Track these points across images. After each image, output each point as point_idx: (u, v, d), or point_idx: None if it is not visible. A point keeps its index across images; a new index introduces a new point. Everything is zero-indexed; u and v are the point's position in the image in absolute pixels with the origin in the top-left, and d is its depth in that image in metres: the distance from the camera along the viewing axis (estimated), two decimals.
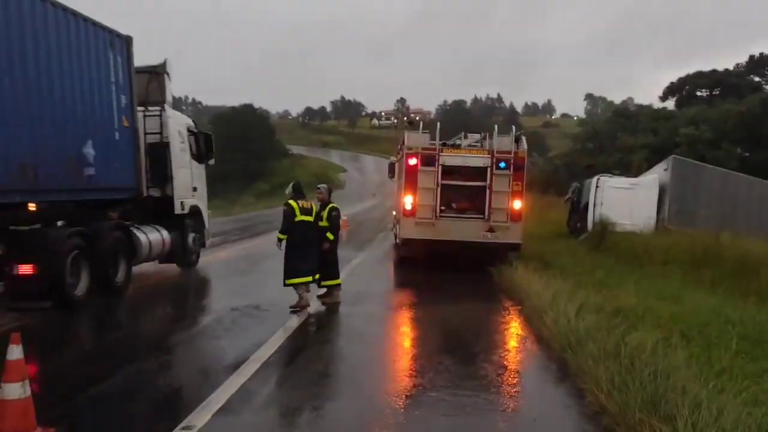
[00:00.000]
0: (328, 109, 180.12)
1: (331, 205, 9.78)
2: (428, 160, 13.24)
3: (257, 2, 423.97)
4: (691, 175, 19.90)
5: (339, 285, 10.08)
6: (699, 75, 60.67)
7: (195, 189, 13.53)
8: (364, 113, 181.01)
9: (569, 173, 46.63)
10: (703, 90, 60.67)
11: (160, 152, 11.91)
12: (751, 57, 64.40)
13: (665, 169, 19.99)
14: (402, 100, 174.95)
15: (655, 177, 20.37)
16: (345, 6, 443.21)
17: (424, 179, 13.24)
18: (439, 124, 14.05)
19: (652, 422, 4.34)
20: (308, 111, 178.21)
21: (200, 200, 13.88)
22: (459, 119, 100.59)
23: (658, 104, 64.25)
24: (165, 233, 11.78)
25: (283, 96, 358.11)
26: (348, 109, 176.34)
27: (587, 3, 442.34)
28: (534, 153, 75.19)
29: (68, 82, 8.82)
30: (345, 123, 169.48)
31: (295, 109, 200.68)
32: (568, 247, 17.05)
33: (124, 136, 10.38)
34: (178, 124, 12.81)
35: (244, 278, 13.02)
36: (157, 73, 12.01)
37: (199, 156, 13.80)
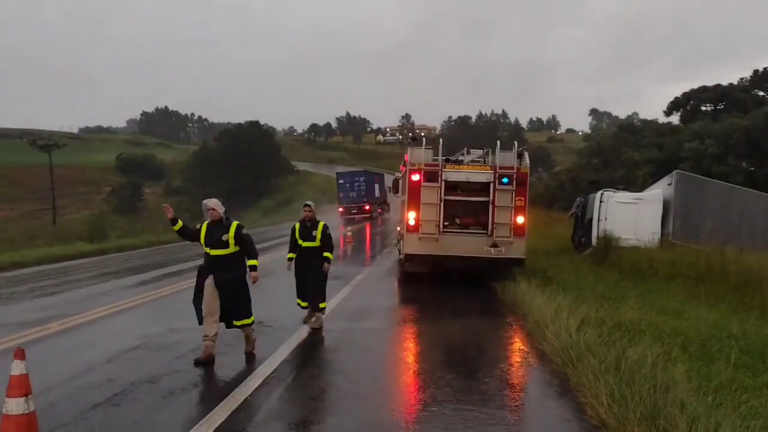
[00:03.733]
0: (334, 125, 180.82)
1: (322, 223, 9.43)
2: (431, 176, 13.32)
3: (263, 20, 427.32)
4: (695, 190, 19.89)
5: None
6: (703, 89, 60.77)
7: None
8: (369, 129, 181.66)
9: (574, 188, 46.62)
10: (708, 104, 60.75)
11: None
12: (756, 71, 64.52)
13: (669, 184, 19.99)
14: (407, 116, 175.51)
15: (659, 192, 20.37)
16: (349, 23, 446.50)
17: (428, 195, 13.31)
18: (441, 140, 14.14)
19: None
20: (313, 127, 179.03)
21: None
22: (464, 135, 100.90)
23: (662, 119, 64.35)
24: None
25: (288, 113, 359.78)
26: (353, 125, 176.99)
27: (592, 18, 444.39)
28: (539, 168, 75.43)
29: None
30: (350, 139, 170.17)
31: (301, 126, 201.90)
32: (571, 262, 17.06)
33: None
34: None
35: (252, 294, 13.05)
36: None
37: None
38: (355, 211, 43.03)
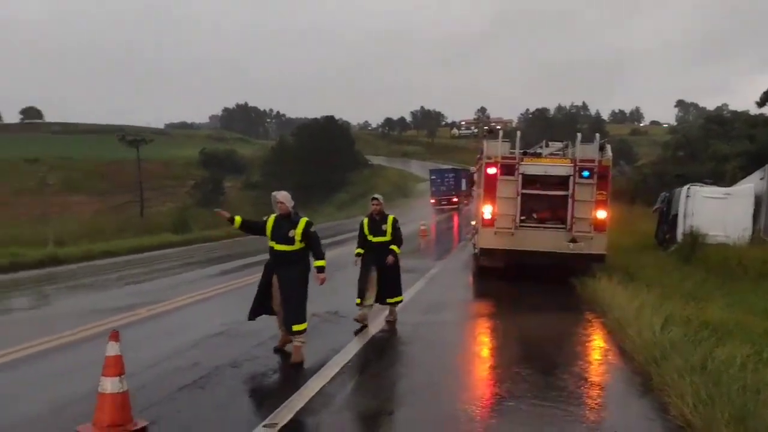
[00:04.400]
0: (408, 119, 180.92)
1: (392, 217, 9.18)
2: (508, 170, 13.13)
3: (336, 14, 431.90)
4: None
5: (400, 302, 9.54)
6: None
7: None
8: (444, 123, 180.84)
9: (658, 182, 44.85)
10: None
11: None
12: None
13: (762, 179, 18.91)
14: (482, 109, 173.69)
15: (750, 186, 19.32)
16: (424, 15, 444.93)
17: (504, 189, 13.12)
18: (519, 132, 13.92)
19: None
20: (388, 121, 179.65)
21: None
22: (541, 128, 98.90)
23: (755, 110, 60.89)
24: None
25: (363, 107, 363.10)
26: (428, 119, 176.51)
27: (679, 5, 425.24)
28: (621, 161, 73.00)
29: None
30: (425, 133, 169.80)
31: (375, 120, 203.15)
32: (655, 259, 16.44)
33: None
34: None
35: (325, 286, 13.31)
36: None
37: None
38: (445, 202, 49.82)
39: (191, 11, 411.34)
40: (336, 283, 13.42)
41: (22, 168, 76.13)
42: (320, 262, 7.29)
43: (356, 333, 8.49)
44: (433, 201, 50.92)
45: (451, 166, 62.23)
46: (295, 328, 7.05)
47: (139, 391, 5.69)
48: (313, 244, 7.22)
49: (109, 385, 4.89)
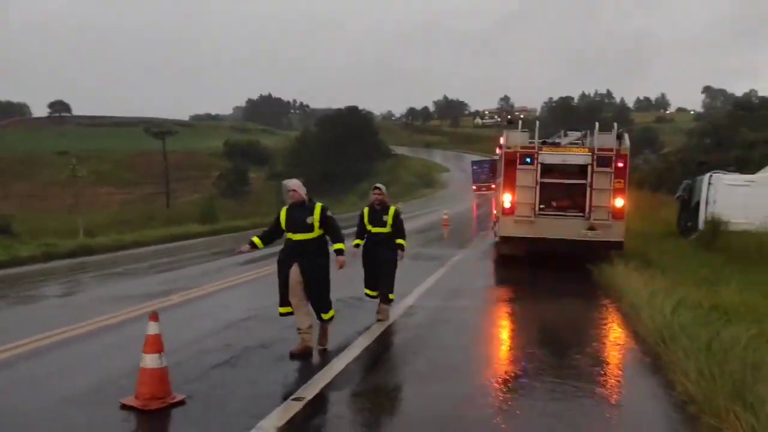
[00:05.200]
0: (431, 109, 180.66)
1: (393, 207, 8.81)
2: (527, 159, 13.38)
3: (359, 5, 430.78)
4: None
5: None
6: None
7: None
8: (467, 112, 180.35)
9: (683, 170, 44.53)
10: None
11: None
12: None
13: None
14: (506, 98, 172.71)
15: None
16: (447, 4, 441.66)
17: (523, 177, 13.39)
18: (538, 122, 14.14)
19: (735, 410, 4.45)
20: (411, 111, 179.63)
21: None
22: (565, 116, 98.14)
23: None
24: None
25: (386, 97, 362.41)
26: (451, 108, 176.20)
27: None
28: (646, 149, 72.35)
29: None
30: (448, 123, 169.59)
31: (398, 110, 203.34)
32: (676, 246, 16.59)
33: None
34: None
35: (349, 271, 13.71)
36: None
37: None
38: (485, 188, 55.09)
39: (216, 3, 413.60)
40: (359, 269, 13.85)
41: (52, 161, 77.67)
42: (340, 245, 7.06)
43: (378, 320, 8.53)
44: (474, 187, 59.61)
45: (489, 158, 67.35)
46: (325, 316, 7.14)
47: (175, 368, 6.10)
48: (331, 228, 7.01)
49: (150, 360, 5.32)
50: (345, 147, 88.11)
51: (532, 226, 13.37)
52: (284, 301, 7.08)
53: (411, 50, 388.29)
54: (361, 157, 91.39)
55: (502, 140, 14.28)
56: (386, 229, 8.58)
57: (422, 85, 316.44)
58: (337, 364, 6.53)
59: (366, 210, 8.79)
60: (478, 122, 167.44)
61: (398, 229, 8.65)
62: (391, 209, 8.69)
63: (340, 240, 7.09)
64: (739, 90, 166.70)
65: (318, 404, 5.42)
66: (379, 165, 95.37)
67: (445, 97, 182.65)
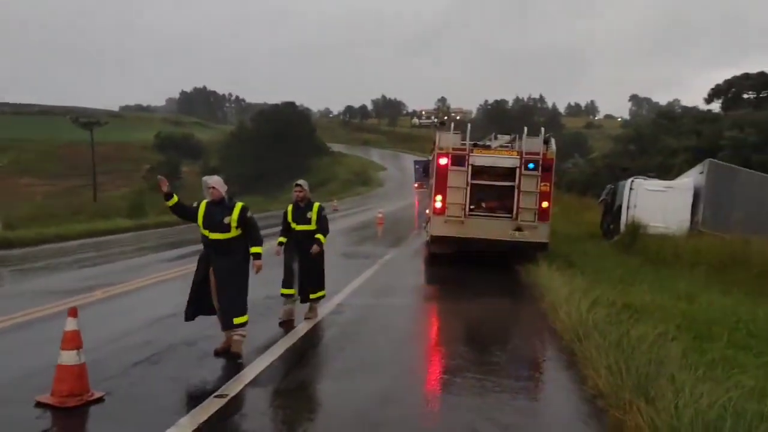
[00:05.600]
0: (369, 107, 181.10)
1: (317, 204, 8.63)
2: (458, 160, 13.67)
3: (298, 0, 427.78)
4: (726, 179, 19.76)
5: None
6: (746, 77, 59.31)
7: None
8: (404, 112, 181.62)
9: (609, 175, 46.28)
10: (750, 92, 59.29)
11: None
12: None
13: (701, 173, 19.93)
14: (443, 99, 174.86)
15: (690, 180, 20.33)
16: (387, 2, 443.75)
17: (454, 178, 13.67)
18: (469, 125, 14.46)
19: (639, 403, 4.73)
20: (349, 109, 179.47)
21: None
22: (499, 119, 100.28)
23: (703, 106, 63.08)
24: None
25: (324, 94, 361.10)
26: (389, 107, 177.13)
27: (636, 0, 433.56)
28: (575, 154, 74.71)
29: None
30: (386, 121, 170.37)
31: (337, 107, 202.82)
32: (598, 248, 17.27)
33: None
34: None
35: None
36: None
37: None
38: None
39: None
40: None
41: None
42: (257, 249, 6.77)
43: (282, 326, 8.17)
44: (416, 185, 60.09)
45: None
46: (237, 320, 6.71)
47: (94, 365, 5.96)
48: (250, 230, 6.76)
49: (67, 357, 5.20)
50: (281, 143, 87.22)
51: (462, 226, 13.67)
52: (194, 306, 6.80)
53: (350, 48, 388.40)
54: (298, 153, 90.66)
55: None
56: (311, 226, 8.43)
57: (361, 84, 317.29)
58: (262, 362, 6.53)
59: (289, 208, 8.61)
60: (416, 122, 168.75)
61: (322, 225, 8.51)
62: (315, 205, 8.53)
63: (258, 243, 6.82)
64: (663, 99, 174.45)
65: (240, 401, 5.42)
66: (315, 162, 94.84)
67: (384, 96, 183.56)
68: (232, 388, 5.65)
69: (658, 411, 4.52)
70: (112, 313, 8.97)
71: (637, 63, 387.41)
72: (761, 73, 58.78)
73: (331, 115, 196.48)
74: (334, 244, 18.80)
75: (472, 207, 13.82)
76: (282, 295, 8.56)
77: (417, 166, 65.60)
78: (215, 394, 5.47)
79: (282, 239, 8.55)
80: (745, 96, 59.64)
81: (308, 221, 8.43)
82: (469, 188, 13.66)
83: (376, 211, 30.01)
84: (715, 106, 61.11)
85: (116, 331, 7.67)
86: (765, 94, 57.44)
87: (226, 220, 6.61)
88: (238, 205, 6.72)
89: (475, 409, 5.40)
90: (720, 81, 62.58)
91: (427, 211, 17.51)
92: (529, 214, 13.47)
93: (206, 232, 6.72)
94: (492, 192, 14.02)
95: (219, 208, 6.68)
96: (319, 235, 8.43)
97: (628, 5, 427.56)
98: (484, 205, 14.10)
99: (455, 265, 14.26)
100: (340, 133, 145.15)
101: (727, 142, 45.06)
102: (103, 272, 13.03)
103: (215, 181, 6.76)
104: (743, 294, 10.36)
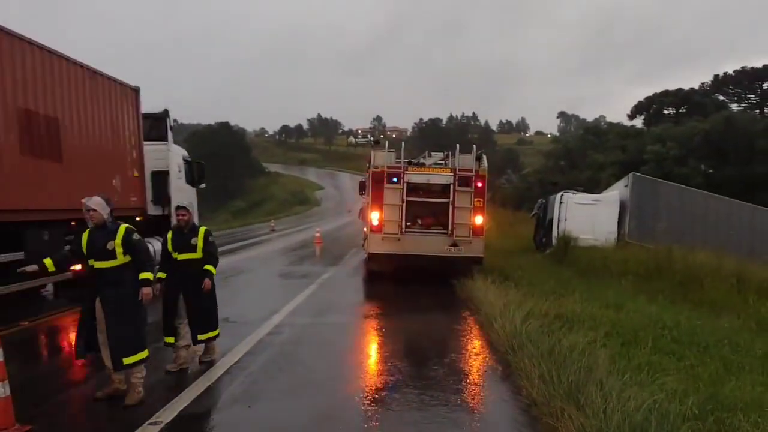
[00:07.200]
0: (305, 126, 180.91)
1: (203, 228, 7.41)
2: (393, 178, 13.84)
3: (232, 19, 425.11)
4: (649, 191, 20.72)
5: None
6: (665, 93, 62.48)
7: None
8: (340, 131, 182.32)
9: (541, 190, 47.72)
10: (670, 108, 62.50)
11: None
12: (716, 76, 66.53)
13: (626, 186, 20.82)
14: (378, 118, 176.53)
15: (616, 193, 21.20)
16: (320, 23, 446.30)
17: (390, 196, 13.83)
18: (404, 143, 14.69)
19: (570, 410, 4.91)
20: (284, 129, 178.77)
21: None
22: (434, 137, 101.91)
23: (627, 122, 66.04)
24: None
25: (259, 114, 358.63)
26: (325, 126, 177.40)
27: (564, 21, 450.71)
28: (508, 170, 76.65)
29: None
30: (322, 141, 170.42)
31: (272, 127, 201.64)
32: (531, 261, 17.72)
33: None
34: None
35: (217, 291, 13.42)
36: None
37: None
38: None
39: (82, 6, 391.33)
40: (232, 289, 13.62)
41: None
42: (146, 275, 6.02)
43: (170, 375, 6.95)
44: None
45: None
46: (127, 360, 5.84)
47: (18, 396, 5.74)
48: (138, 254, 6.00)
49: None
50: (217, 164, 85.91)
51: (399, 243, 13.81)
52: (85, 343, 6.00)
53: (285, 68, 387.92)
54: (234, 174, 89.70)
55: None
56: (197, 254, 7.20)
57: (296, 103, 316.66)
58: (199, 386, 6.42)
59: (169, 235, 7.30)
60: (352, 141, 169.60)
61: (210, 253, 7.27)
62: (201, 230, 7.31)
63: (147, 269, 6.08)
64: (590, 116, 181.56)
65: (176, 427, 5.31)
66: (252, 183, 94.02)
67: (319, 116, 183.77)
68: (167, 414, 5.54)
69: (587, 416, 4.70)
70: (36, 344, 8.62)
71: (564, 81, 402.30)
72: (680, 90, 62.08)
73: (266, 135, 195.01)
74: (273, 265, 18.64)
75: (408, 224, 14.00)
76: (166, 344, 7.16)
77: (363, 180, 67.79)
78: (149, 421, 5.34)
79: (162, 274, 7.10)
80: (666, 112, 62.77)
81: (193, 249, 7.19)
82: (404, 205, 13.84)
83: (314, 230, 29.85)
84: (638, 122, 64.09)
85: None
86: (684, 110, 60.61)
87: (110, 245, 5.86)
88: (122, 227, 5.97)
89: (414, 424, 5.47)
90: (642, 98, 65.69)
91: (365, 229, 17.61)
92: (464, 229, 13.75)
93: (92, 262, 5.94)
94: (427, 209, 14.24)
95: (102, 233, 5.92)
96: (208, 266, 7.22)
97: (555, 26, 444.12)
98: (420, 221, 14.30)
99: (393, 282, 14.38)
100: (276, 153, 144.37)
101: (650, 156, 47.27)
102: None
103: (95, 203, 5.91)
104: (668, 301, 10.87)
